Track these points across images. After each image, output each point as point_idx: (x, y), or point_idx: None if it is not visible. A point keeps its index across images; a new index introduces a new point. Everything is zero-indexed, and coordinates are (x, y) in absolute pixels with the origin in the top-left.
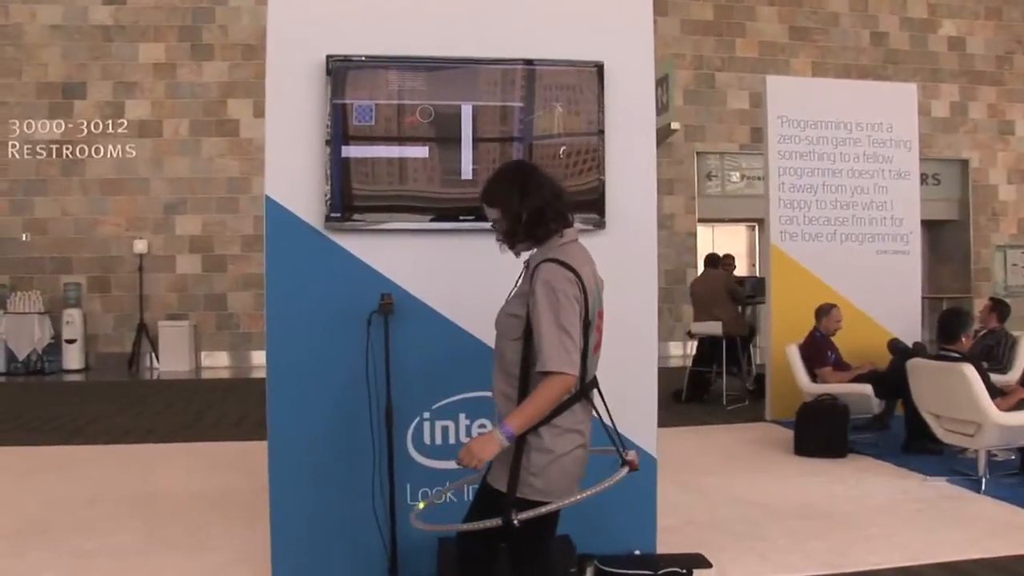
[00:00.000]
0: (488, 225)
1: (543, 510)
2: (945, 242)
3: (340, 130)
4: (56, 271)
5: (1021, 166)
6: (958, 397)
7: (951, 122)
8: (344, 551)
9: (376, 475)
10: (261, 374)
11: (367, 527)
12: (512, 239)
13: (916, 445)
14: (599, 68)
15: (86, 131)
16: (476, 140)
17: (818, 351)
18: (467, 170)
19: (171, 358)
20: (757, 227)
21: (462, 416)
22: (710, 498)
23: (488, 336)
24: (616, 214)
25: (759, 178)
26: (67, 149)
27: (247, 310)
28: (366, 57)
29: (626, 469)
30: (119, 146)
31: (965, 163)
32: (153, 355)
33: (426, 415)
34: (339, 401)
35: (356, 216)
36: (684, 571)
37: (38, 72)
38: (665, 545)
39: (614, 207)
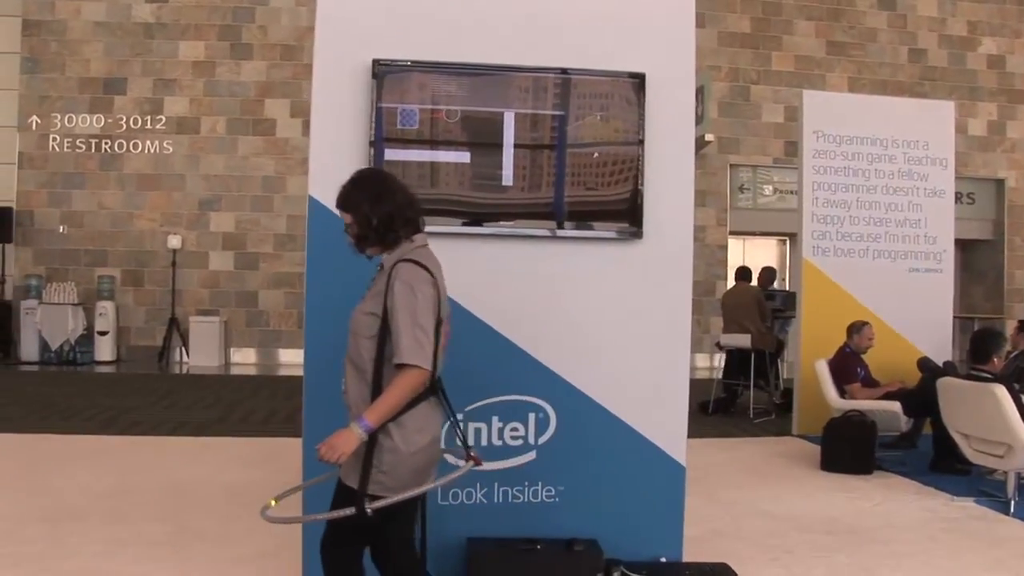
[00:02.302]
0: (528, 232)
1: (395, 498)
2: (978, 261)
3: (384, 133)
4: (91, 264)
5: None
6: (988, 418)
7: (988, 141)
8: None
9: None
10: (289, 372)
11: None
12: (362, 243)
13: (944, 465)
14: (641, 79)
15: (125, 126)
16: (516, 147)
17: (847, 367)
18: (508, 176)
19: (201, 353)
20: (788, 241)
21: (495, 419)
22: (735, 510)
23: (524, 340)
24: (653, 225)
25: (792, 192)
26: (106, 144)
27: (277, 308)
28: (412, 62)
29: (471, 463)
30: (156, 142)
31: (1001, 183)
32: (183, 349)
33: (459, 417)
34: None
35: None
36: None
37: (80, 67)
38: (691, 555)
39: (651, 217)
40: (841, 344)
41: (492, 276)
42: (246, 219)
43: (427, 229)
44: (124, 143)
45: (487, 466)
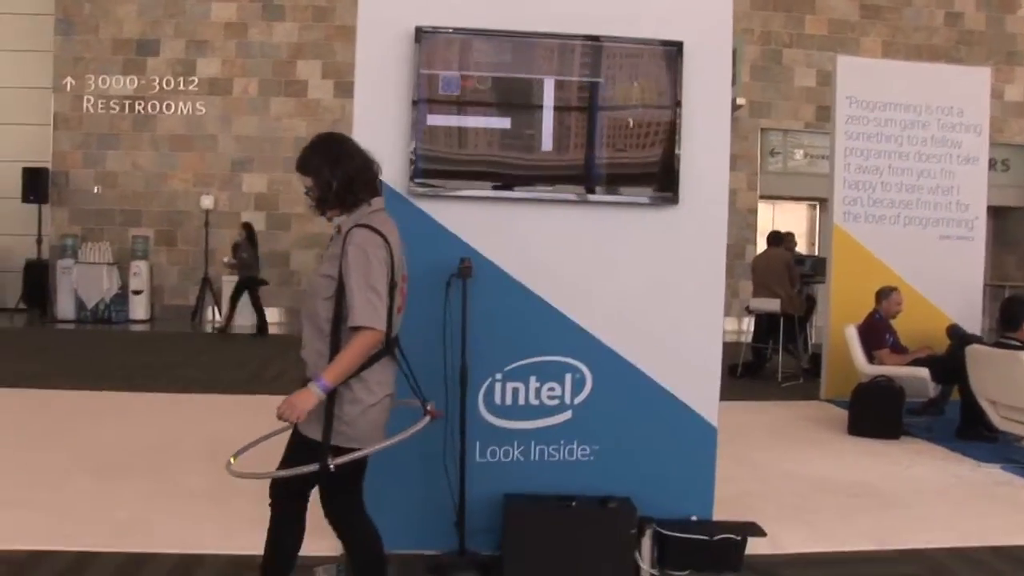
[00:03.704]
0: (565, 196)
1: (356, 455)
2: (1011, 229)
3: (426, 99)
4: (125, 223)
5: None
6: (1017, 385)
7: None
8: (415, 505)
9: (448, 432)
10: None
11: (437, 482)
12: (323, 205)
13: (970, 432)
14: (679, 47)
15: (158, 87)
16: (557, 113)
17: (876, 333)
18: (547, 141)
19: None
20: (818, 206)
21: (532, 379)
22: (763, 471)
23: (562, 303)
24: (689, 190)
25: (823, 157)
26: (139, 105)
27: (308, 268)
28: (454, 29)
29: (428, 418)
30: (189, 103)
31: None
32: (215, 308)
33: (498, 376)
34: (415, 361)
35: (438, 182)
36: (739, 538)
37: (114, 29)
38: (720, 514)
39: (687, 184)
40: (871, 310)
41: (530, 238)
42: (278, 180)
43: (466, 192)
44: (157, 104)
45: (524, 425)
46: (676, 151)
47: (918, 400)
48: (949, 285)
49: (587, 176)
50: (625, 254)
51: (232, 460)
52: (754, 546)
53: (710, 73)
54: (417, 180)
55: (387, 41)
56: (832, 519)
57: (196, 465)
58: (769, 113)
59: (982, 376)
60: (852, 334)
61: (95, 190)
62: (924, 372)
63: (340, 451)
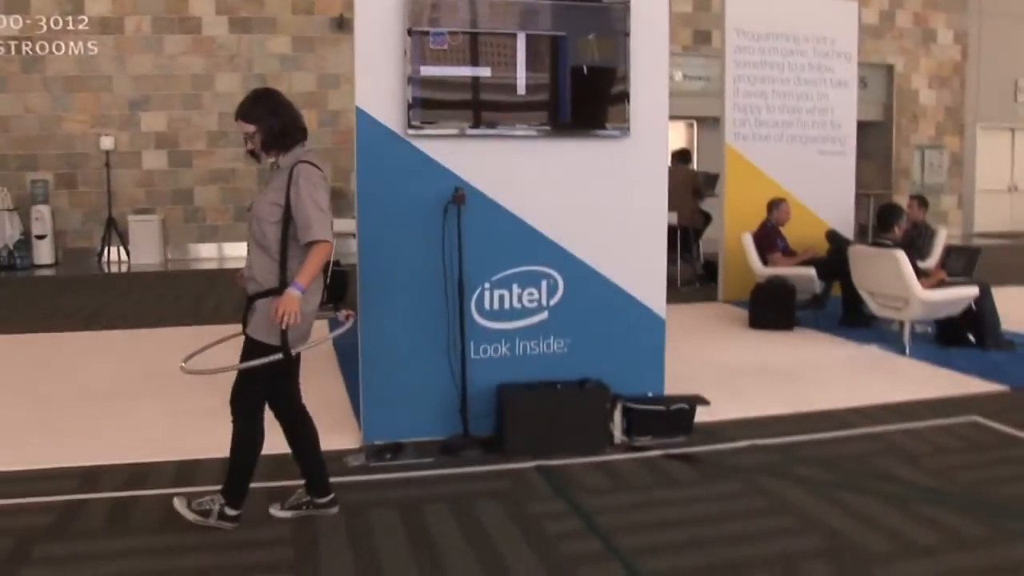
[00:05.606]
0: (538, 132)
1: (306, 346)
2: (870, 142)
3: (419, 52)
4: (21, 168)
5: (941, 72)
6: (891, 277)
7: (879, 29)
8: (425, 399)
9: (449, 334)
10: (234, 264)
11: (442, 378)
12: (267, 148)
13: (851, 319)
14: (627, 4)
15: (46, 27)
16: (529, 63)
17: (770, 239)
18: (521, 87)
19: (142, 252)
20: (695, 124)
21: (515, 286)
22: (688, 358)
23: (537, 221)
24: (637, 123)
25: (699, 78)
26: (26, 46)
27: (214, 204)
28: None
29: (351, 322)
30: (80, 43)
31: (890, 68)
32: (121, 249)
33: (487, 285)
34: (418, 276)
35: (432, 124)
36: (689, 407)
37: None
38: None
39: (636, 118)
40: (763, 219)
41: (510, 169)
42: (178, 118)
43: (455, 131)
44: (46, 45)
45: (510, 325)
46: (628, 91)
47: (805, 296)
48: (826, 195)
49: (555, 115)
50: (588, 179)
51: (183, 363)
52: (698, 415)
53: (652, 27)
54: (413, 123)
55: (383, 1)
56: (753, 392)
57: (193, 389)
58: None
59: (863, 272)
60: (748, 241)
61: None
62: (811, 271)
63: (276, 350)
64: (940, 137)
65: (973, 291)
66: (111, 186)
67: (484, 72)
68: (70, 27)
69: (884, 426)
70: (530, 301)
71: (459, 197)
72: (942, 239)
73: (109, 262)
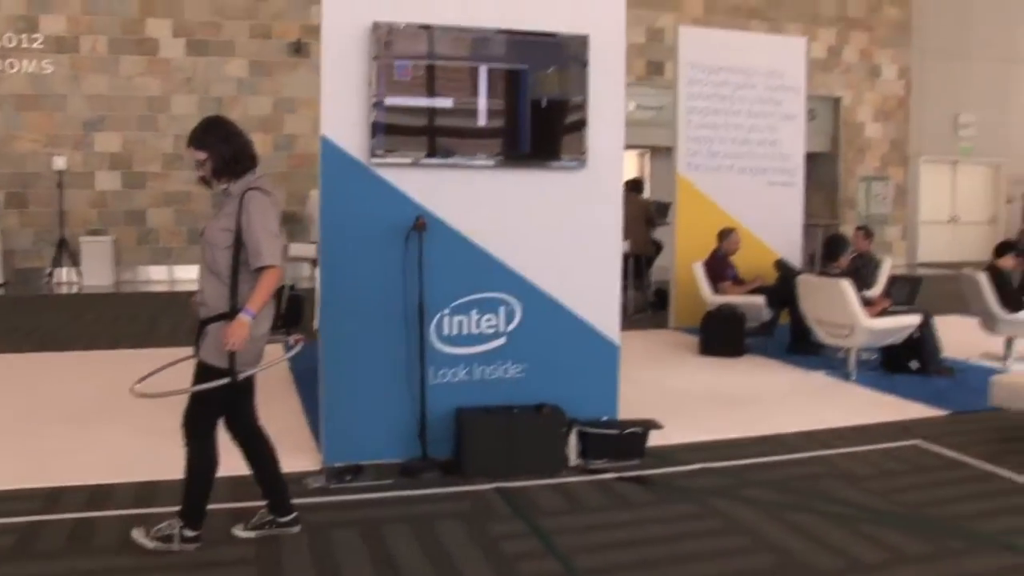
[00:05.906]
0: (497, 162)
1: (256, 369)
2: (817, 173)
3: (383, 83)
4: None
5: (886, 107)
6: (837, 306)
7: (827, 63)
8: (384, 422)
9: (408, 358)
10: (187, 287)
11: (401, 403)
12: (219, 175)
13: (799, 347)
14: (585, 39)
15: None
16: (490, 94)
17: (720, 268)
18: (482, 117)
19: (93, 272)
20: (648, 153)
21: (473, 312)
22: (640, 385)
23: (496, 249)
24: (594, 155)
25: (652, 108)
26: None
27: (167, 226)
28: (405, 24)
29: (299, 346)
30: (35, 61)
31: (837, 101)
32: (72, 270)
33: (446, 311)
34: (379, 302)
35: (394, 152)
36: (641, 431)
37: None
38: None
39: (593, 150)
40: (714, 248)
41: (470, 198)
42: (133, 139)
43: (422, 161)
44: None
45: (468, 350)
46: (585, 123)
47: (754, 324)
48: (775, 225)
49: (515, 145)
50: (545, 208)
51: (135, 386)
52: (651, 439)
53: (609, 60)
54: (376, 151)
55: (348, 33)
56: (705, 416)
57: (170, 408)
58: None
59: (811, 300)
60: (699, 270)
61: None
62: (761, 300)
63: (226, 373)
64: (885, 168)
65: (916, 319)
66: (63, 206)
67: (446, 103)
68: (24, 45)
69: (831, 450)
70: (488, 327)
71: (420, 225)
72: (887, 269)
73: (60, 283)
